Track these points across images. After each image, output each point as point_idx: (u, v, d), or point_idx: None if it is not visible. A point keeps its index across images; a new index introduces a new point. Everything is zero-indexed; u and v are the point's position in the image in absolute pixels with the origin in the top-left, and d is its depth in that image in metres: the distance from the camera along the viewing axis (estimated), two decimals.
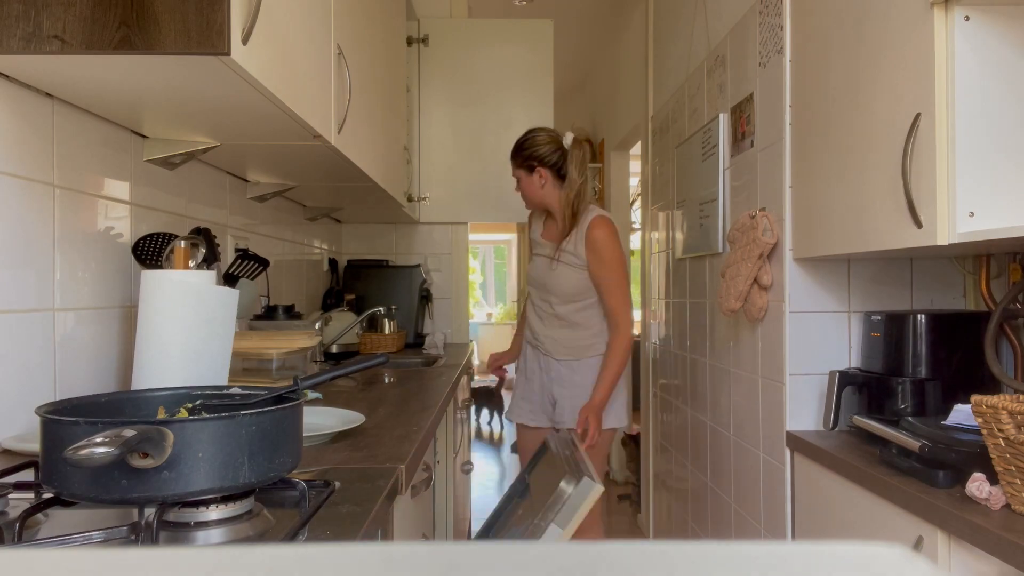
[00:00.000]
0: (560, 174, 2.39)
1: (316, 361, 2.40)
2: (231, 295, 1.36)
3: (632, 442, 4.28)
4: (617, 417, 2.44)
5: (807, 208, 1.79)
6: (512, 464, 5.56)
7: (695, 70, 2.75)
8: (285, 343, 1.83)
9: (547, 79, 3.69)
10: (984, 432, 1.17)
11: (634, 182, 4.90)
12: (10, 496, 0.90)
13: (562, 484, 1.70)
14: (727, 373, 2.35)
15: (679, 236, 2.92)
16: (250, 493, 0.87)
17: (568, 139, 2.39)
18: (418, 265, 3.55)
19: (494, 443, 6.43)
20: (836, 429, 1.76)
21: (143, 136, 1.62)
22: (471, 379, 3.82)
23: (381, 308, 3.06)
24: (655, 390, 3.51)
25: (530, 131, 2.46)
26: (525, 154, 2.41)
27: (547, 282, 2.46)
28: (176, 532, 0.83)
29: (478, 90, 3.67)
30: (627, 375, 2.48)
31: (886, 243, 1.44)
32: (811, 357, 1.86)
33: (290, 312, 2.32)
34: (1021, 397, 1.16)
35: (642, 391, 3.82)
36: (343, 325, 2.89)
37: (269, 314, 2.30)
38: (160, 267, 1.48)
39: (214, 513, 0.84)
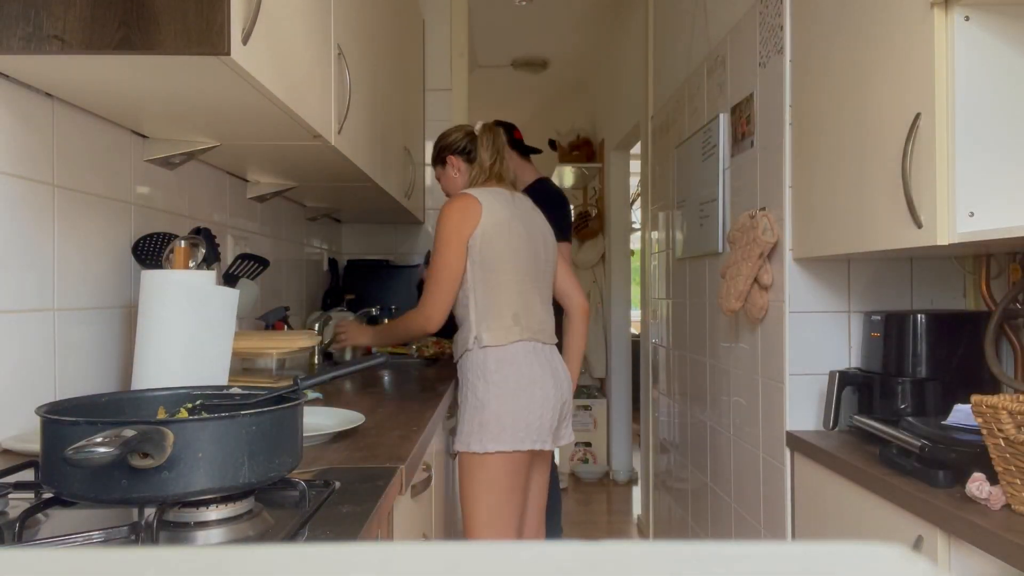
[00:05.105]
0: (471, 159, 2.27)
1: (315, 361, 2.40)
2: (231, 295, 1.36)
3: None
4: (480, 439, 2.01)
5: (807, 208, 1.79)
6: None
7: (695, 70, 2.75)
8: (285, 343, 1.83)
9: None
10: (984, 432, 1.17)
11: (634, 182, 4.90)
12: (10, 496, 0.90)
13: None
14: (727, 373, 2.35)
15: (679, 236, 2.92)
16: (250, 493, 0.87)
17: (478, 126, 2.29)
18: (418, 265, 3.54)
19: None
20: (836, 429, 1.76)
21: (143, 136, 1.62)
22: None
23: (373, 308, 3.05)
24: (655, 390, 3.51)
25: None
26: (436, 148, 2.32)
27: None
28: (176, 532, 0.83)
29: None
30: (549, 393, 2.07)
31: (886, 243, 1.44)
32: (811, 357, 1.86)
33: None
34: (1021, 397, 1.16)
35: (641, 391, 3.82)
36: None
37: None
38: (160, 267, 1.48)
39: (214, 513, 0.84)
